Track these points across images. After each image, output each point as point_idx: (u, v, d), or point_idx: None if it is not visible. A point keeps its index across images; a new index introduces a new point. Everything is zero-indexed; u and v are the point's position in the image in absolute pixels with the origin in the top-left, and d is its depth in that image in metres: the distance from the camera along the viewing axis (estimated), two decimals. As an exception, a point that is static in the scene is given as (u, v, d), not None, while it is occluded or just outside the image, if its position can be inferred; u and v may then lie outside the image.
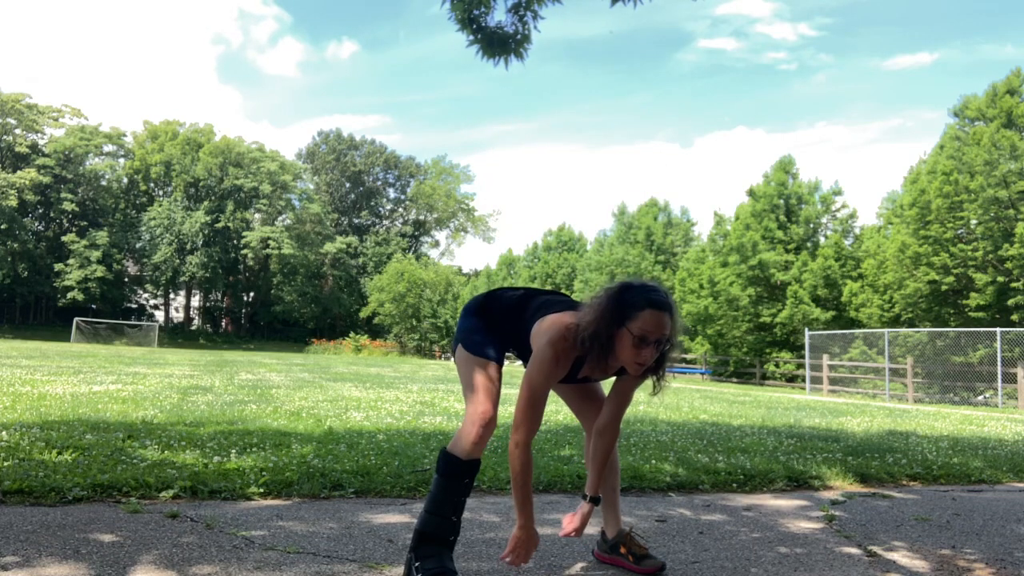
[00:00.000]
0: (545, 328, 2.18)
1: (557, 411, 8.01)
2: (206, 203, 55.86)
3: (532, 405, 2.15)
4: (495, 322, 2.36)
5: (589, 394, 2.50)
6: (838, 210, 27.15)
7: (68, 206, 53.11)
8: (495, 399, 2.24)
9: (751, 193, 28.26)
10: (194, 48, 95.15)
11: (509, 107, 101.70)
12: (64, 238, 53.09)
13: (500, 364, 2.31)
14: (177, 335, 53.60)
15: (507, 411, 7.57)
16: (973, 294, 19.26)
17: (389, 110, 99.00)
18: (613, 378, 2.41)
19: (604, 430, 2.38)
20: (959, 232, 20.14)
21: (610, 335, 2.11)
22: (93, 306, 53.19)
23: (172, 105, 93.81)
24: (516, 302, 2.37)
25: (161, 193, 59.42)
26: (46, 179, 51.97)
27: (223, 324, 62.43)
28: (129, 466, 3.55)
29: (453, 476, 2.22)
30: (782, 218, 27.03)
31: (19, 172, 51.31)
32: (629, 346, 2.09)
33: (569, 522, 2.37)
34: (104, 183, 56.75)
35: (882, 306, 21.92)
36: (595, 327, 2.11)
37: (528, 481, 2.17)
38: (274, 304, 57.97)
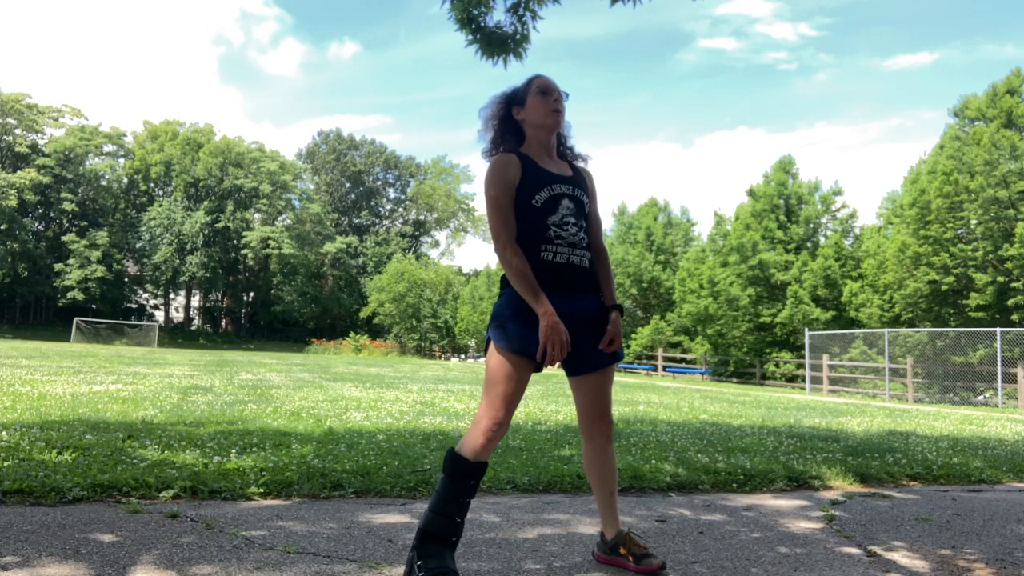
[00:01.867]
0: None
1: (557, 411, 8.02)
2: (206, 203, 55.87)
3: (499, 215, 2.30)
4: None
5: (599, 404, 2.44)
6: (838, 210, 27.16)
7: (68, 206, 53.12)
8: (512, 404, 2.21)
9: (751, 193, 28.26)
10: (196, 48, 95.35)
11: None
12: (64, 238, 53.09)
13: (531, 358, 2.23)
14: (177, 335, 53.61)
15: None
16: (973, 294, 19.26)
17: (389, 110, 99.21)
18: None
19: (596, 251, 2.48)
20: (959, 232, 20.14)
21: (518, 120, 2.43)
22: (93, 306, 53.20)
23: (173, 105, 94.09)
24: None
25: (161, 193, 59.44)
26: (46, 179, 51.97)
27: (223, 324, 62.43)
28: (129, 466, 3.55)
29: (460, 477, 2.21)
30: (782, 218, 27.03)
31: (19, 172, 51.31)
32: (539, 105, 2.39)
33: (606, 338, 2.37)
34: (104, 183, 56.75)
35: (882, 306, 21.92)
36: (499, 123, 2.44)
37: (528, 271, 2.25)
38: (274, 304, 57.98)
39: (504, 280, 2.39)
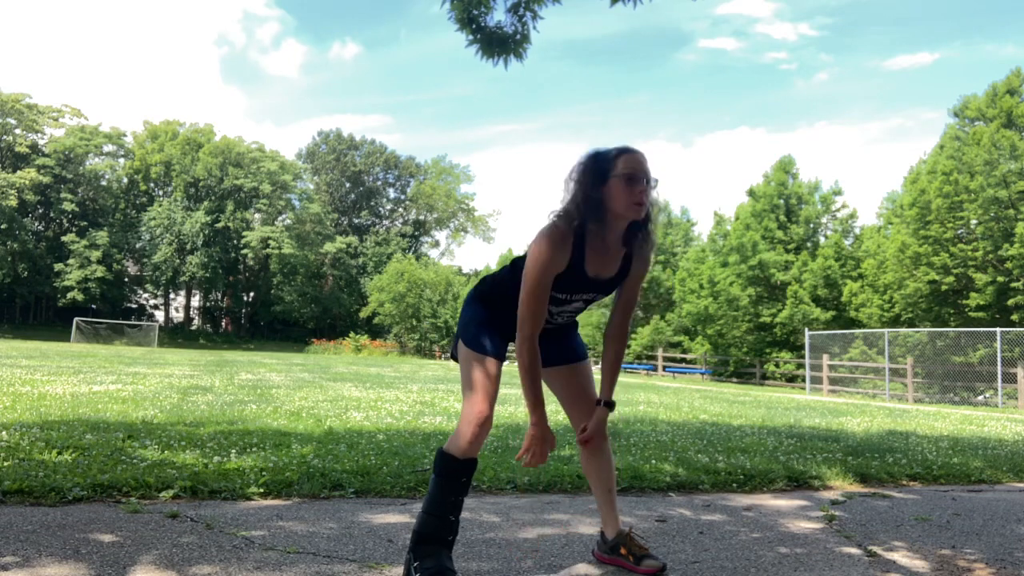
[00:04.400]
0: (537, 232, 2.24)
1: (557, 411, 8.02)
2: (206, 203, 55.83)
3: (535, 298, 2.18)
4: (496, 304, 2.37)
5: (582, 394, 2.49)
6: (838, 210, 27.19)
7: (68, 206, 53.09)
8: (492, 398, 2.24)
9: (751, 193, 28.28)
10: (198, 49, 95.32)
11: (509, 107, 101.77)
12: (64, 238, 53.06)
13: (500, 359, 2.31)
14: (177, 335, 53.57)
15: (504, 410, 7.57)
16: (973, 294, 19.27)
17: (390, 110, 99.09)
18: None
19: (614, 335, 2.42)
20: (959, 232, 20.16)
21: (598, 198, 2.17)
22: (93, 306, 53.16)
23: (175, 105, 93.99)
24: (508, 271, 2.37)
25: (161, 193, 59.40)
26: (46, 179, 51.94)
27: (223, 324, 62.38)
28: (129, 466, 3.55)
29: (450, 476, 2.22)
30: (782, 218, 27.05)
31: (19, 172, 51.26)
32: (622, 191, 2.15)
33: (585, 431, 2.37)
34: (104, 183, 56.71)
35: (882, 306, 21.93)
36: (582, 194, 2.18)
37: (537, 376, 2.21)
38: (274, 304, 57.95)
39: (469, 296, 2.43)
